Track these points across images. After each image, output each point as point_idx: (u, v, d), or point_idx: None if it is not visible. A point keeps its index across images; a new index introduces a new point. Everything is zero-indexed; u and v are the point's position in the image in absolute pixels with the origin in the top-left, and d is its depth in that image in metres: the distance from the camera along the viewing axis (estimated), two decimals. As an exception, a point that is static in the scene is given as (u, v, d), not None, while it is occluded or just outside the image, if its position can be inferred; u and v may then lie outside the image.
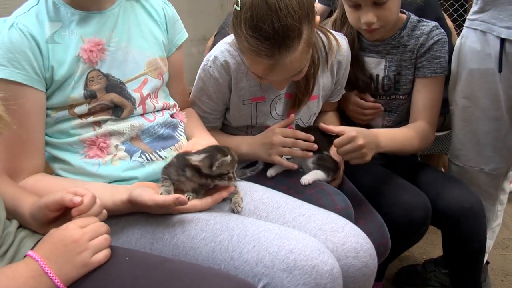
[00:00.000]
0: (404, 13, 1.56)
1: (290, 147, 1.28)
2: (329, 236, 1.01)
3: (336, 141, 1.25)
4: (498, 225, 1.75)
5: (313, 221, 1.04)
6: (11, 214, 0.92)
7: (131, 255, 0.86)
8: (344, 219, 1.06)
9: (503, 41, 1.40)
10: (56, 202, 0.85)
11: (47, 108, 1.07)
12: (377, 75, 1.57)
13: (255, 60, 1.16)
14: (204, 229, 0.97)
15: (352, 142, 1.24)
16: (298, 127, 1.36)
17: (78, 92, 1.07)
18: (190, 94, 1.43)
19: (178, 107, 1.29)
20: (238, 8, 1.13)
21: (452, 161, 1.65)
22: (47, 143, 1.10)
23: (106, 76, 1.11)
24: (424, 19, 1.54)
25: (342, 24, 1.58)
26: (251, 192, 1.16)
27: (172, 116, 1.23)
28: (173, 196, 0.97)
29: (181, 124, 1.25)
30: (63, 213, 0.89)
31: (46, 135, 1.09)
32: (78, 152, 1.10)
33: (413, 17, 1.54)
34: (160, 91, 1.22)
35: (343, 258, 0.98)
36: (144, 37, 1.18)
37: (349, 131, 1.25)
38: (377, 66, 1.56)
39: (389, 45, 1.54)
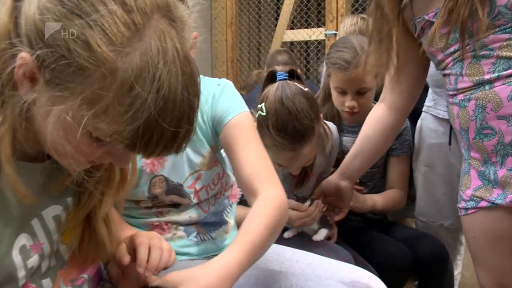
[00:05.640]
0: (375, 104, 1.93)
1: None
2: (356, 283, 1.23)
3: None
4: (459, 273, 2.08)
5: (340, 272, 1.26)
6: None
7: None
8: (363, 269, 1.30)
9: None
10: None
11: None
12: None
13: (280, 154, 1.44)
14: (256, 282, 1.18)
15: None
16: (299, 199, 1.64)
17: (143, 194, 1.23)
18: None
19: (235, 184, 1.40)
20: (264, 114, 1.43)
21: (418, 218, 1.99)
22: None
23: (167, 180, 1.23)
24: None
25: (323, 103, 1.91)
26: (283, 253, 1.36)
27: (227, 197, 1.36)
28: None
29: (230, 206, 1.37)
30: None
31: None
32: (142, 228, 1.25)
33: None
34: (222, 173, 1.32)
35: None
36: (196, 134, 1.27)
37: None
38: (353, 145, 1.90)
39: None
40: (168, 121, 0.66)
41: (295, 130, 1.39)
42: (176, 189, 1.26)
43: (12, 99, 0.68)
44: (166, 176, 1.24)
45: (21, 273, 0.78)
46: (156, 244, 0.94)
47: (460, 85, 1.23)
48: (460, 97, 1.24)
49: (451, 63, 1.24)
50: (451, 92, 1.28)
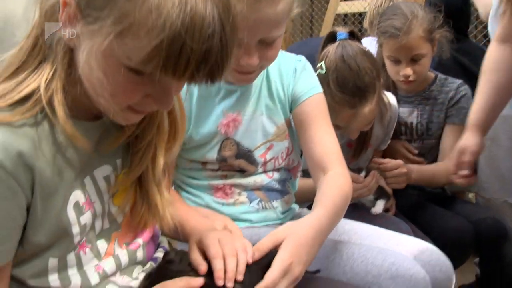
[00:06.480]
0: (432, 72, 1.86)
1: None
2: (418, 255, 1.20)
3: (387, 166, 1.56)
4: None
5: (402, 244, 1.24)
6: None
7: None
8: (425, 242, 1.27)
9: None
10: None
11: (183, 157, 1.25)
12: (411, 123, 1.85)
13: (340, 111, 1.43)
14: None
15: (399, 168, 1.57)
16: (354, 171, 1.61)
17: (212, 156, 1.23)
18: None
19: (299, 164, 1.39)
20: (323, 72, 1.42)
21: (480, 194, 1.93)
22: (182, 182, 1.29)
23: (237, 144, 1.24)
24: (450, 77, 1.85)
25: None
26: (342, 225, 1.32)
27: (289, 169, 1.35)
28: None
29: (291, 178, 1.36)
30: None
31: (180, 174, 1.29)
32: (206, 192, 1.28)
33: (441, 76, 1.85)
34: (291, 149, 1.31)
35: (430, 271, 1.17)
36: (275, 103, 1.28)
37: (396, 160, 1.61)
38: (410, 115, 1.84)
39: (420, 97, 1.83)
40: (196, 38, 0.66)
41: (356, 86, 1.40)
42: (245, 154, 1.27)
43: (58, 43, 0.74)
44: (238, 140, 1.25)
45: (75, 230, 0.80)
46: (229, 252, 0.90)
47: None
48: None
49: None
50: None
